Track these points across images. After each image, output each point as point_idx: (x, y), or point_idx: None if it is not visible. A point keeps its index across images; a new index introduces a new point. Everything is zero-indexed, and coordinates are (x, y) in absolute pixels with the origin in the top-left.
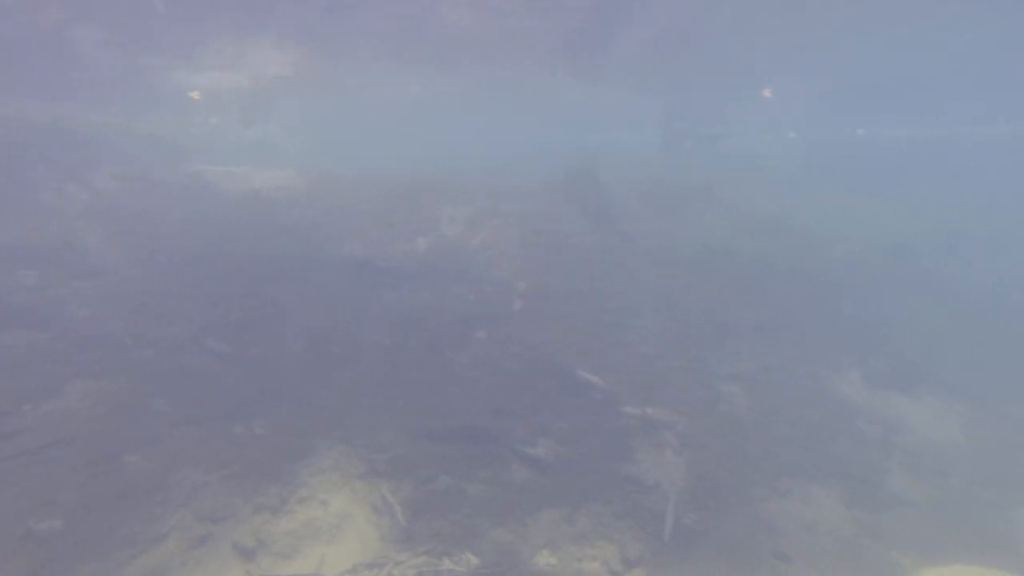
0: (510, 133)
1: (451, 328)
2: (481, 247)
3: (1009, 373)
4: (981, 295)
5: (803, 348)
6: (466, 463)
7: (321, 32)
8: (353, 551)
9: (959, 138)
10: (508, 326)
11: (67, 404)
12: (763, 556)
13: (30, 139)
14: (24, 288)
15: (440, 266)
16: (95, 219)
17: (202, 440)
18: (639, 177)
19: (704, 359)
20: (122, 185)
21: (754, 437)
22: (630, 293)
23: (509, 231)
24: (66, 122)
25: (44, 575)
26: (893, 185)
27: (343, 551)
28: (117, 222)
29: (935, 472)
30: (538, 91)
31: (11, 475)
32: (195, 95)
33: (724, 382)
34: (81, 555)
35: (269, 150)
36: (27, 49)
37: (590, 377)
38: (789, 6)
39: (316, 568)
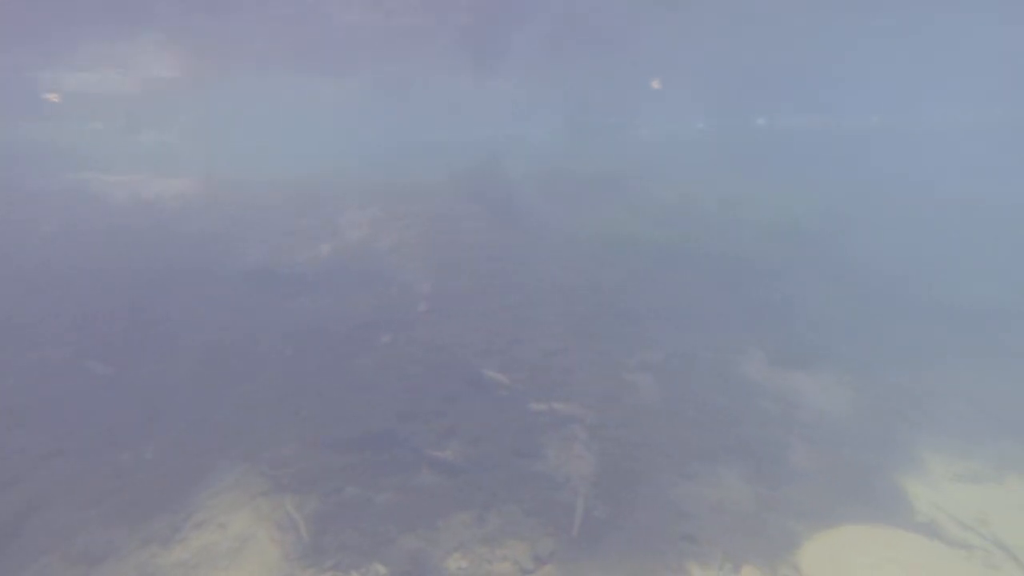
0: (413, 133)
1: (355, 333)
2: (385, 250)
3: (891, 344)
4: (869, 273)
5: (709, 333)
6: (374, 471)
7: (206, 33)
8: (254, 574)
9: (848, 127)
10: (413, 328)
11: None
12: (672, 540)
13: None
14: None
15: (344, 271)
16: None
17: (77, 473)
18: (544, 170)
19: (611, 350)
20: None
21: (662, 424)
22: (535, 288)
23: (413, 232)
24: None
25: None
26: (790, 172)
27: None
28: None
29: (829, 442)
30: (439, 89)
31: None
32: (53, 97)
33: (632, 372)
34: None
35: (165, 157)
36: None
37: (496, 375)
38: None
39: None
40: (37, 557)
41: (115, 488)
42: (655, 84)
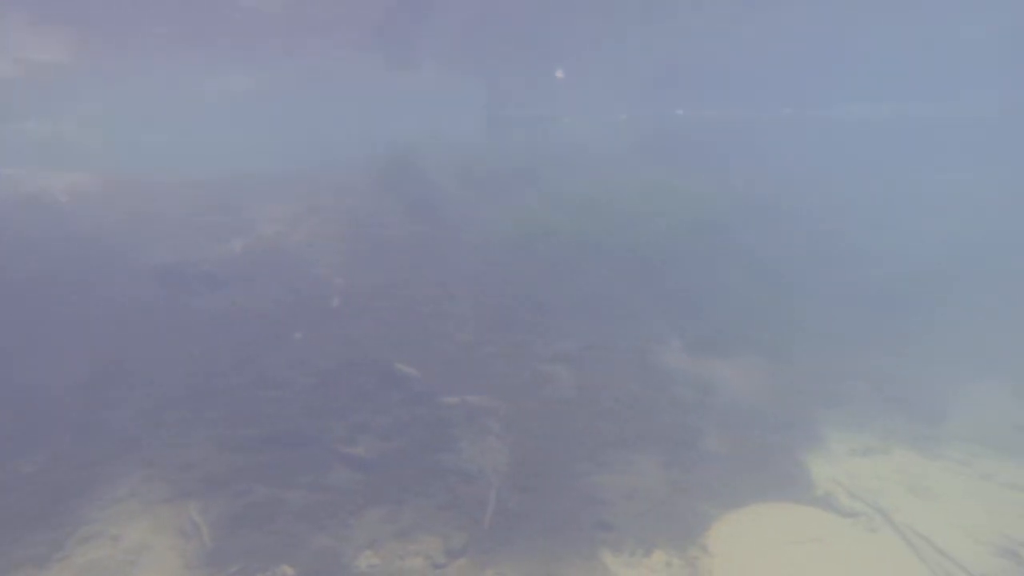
0: (330, 125)
1: (266, 331)
2: (300, 245)
3: (802, 329)
4: (782, 260)
5: (625, 323)
6: (284, 470)
7: (95, 14)
8: None
9: (763, 120)
10: (325, 324)
11: None
12: (585, 528)
13: None
14: None
15: (256, 268)
16: None
17: None
18: (462, 164)
19: (526, 342)
20: None
21: (578, 414)
22: (450, 282)
23: (329, 227)
24: None
25: None
26: (707, 162)
27: None
28: None
29: (740, 425)
30: (356, 80)
31: None
32: None
33: (547, 363)
34: None
35: (62, 149)
36: None
37: (408, 370)
38: None
39: None
40: None
41: None
42: (558, 74)
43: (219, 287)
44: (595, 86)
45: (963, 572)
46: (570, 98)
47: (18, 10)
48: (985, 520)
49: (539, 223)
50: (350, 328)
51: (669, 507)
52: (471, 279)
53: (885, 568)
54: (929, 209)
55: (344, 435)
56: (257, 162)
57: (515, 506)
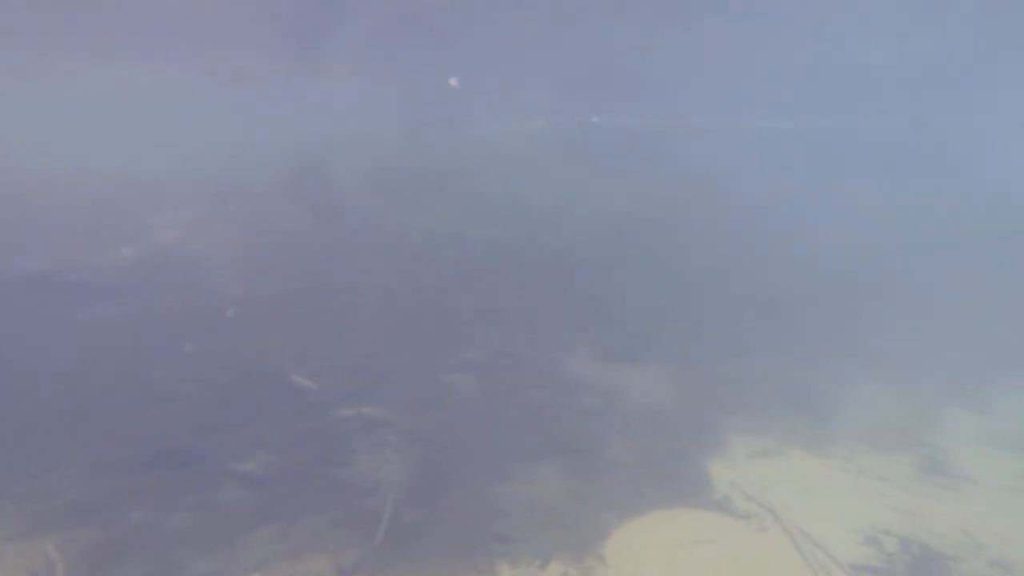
0: (237, 128)
1: (155, 343)
2: (198, 254)
3: (710, 335)
4: (693, 268)
5: (535, 331)
6: (167, 492)
7: None
8: None
9: (675, 127)
10: (220, 336)
11: None
12: (483, 541)
13: None
14: None
15: (149, 276)
16: None
17: None
18: (375, 168)
19: (431, 351)
20: None
21: (481, 425)
22: (355, 290)
23: (230, 234)
24: None
25: None
26: (620, 169)
27: None
28: None
29: (645, 433)
30: (266, 82)
31: None
32: None
33: (452, 373)
34: None
35: None
36: None
37: (305, 381)
38: None
39: None
40: None
41: None
42: (452, 82)
43: (105, 296)
44: (512, 92)
45: (834, 562)
46: (487, 103)
47: None
48: (857, 512)
49: (450, 229)
50: (246, 339)
51: (569, 517)
52: (377, 287)
53: (769, 564)
54: (830, 218)
55: (236, 451)
56: (157, 164)
57: (412, 520)
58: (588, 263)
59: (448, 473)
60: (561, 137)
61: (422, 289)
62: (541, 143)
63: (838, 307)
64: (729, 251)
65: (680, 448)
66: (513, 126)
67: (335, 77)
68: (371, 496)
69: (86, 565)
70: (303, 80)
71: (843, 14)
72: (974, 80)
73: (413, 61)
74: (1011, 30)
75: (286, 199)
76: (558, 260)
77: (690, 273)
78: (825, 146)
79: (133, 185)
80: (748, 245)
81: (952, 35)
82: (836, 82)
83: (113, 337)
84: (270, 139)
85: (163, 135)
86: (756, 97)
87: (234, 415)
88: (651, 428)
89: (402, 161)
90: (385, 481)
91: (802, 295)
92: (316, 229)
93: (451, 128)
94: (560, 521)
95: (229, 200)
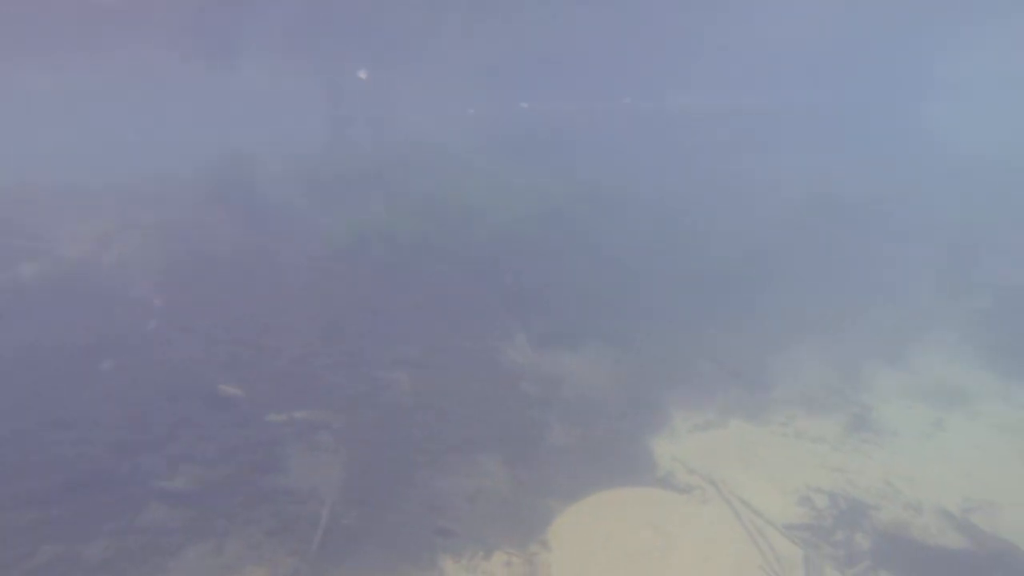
0: (154, 130)
1: (69, 364)
2: (113, 266)
3: (647, 315)
4: (626, 249)
5: (470, 323)
6: (83, 520)
7: None
8: None
9: (602, 111)
10: (141, 350)
11: None
12: (425, 537)
13: None
14: None
15: (55, 294)
16: None
17: None
18: (297, 169)
19: (362, 350)
20: None
21: (419, 420)
22: (281, 294)
23: (147, 243)
24: None
25: None
26: (552, 155)
27: None
28: None
29: (587, 416)
30: (176, 80)
31: None
32: None
33: (385, 370)
34: None
35: None
36: None
37: (232, 390)
38: None
39: None
40: None
41: None
42: (361, 75)
43: (2, 319)
44: (439, 81)
45: (770, 526)
46: (415, 94)
47: None
48: (793, 474)
49: (379, 227)
50: (169, 353)
51: (512, 506)
52: (305, 289)
53: (710, 534)
54: (758, 194)
55: (161, 468)
56: (60, 173)
57: (351, 522)
58: (522, 251)
59: (386, 472)
60: (490, 125)
61: (351, 289)
62: (469, 132)
63: (768, 280)
64: (658, 232)
65: (622, 428)
66: (442, 116)
67: (250, 74)
68: (307, 502)
69: None
70: (217, 78)
71: None
72: (895, 49)
73: (331, 54)
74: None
75: (204, 205)
76: (490, 251)
77: (622, 256)
78: (751, 124)
79: (34, 196)
80: (676, 225)
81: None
82: (762, 59)
83: (17, 361)
84: (186, 142)
85: (66, 141)
86: (684, 76)
87: (157, 432)
88: (592, 411)
89: (326, 159)
90: (321, 485)
91: (732, 271)
92: (239, 234)
93: (376, 122)
94: (503, 511)
95: (143, 207)
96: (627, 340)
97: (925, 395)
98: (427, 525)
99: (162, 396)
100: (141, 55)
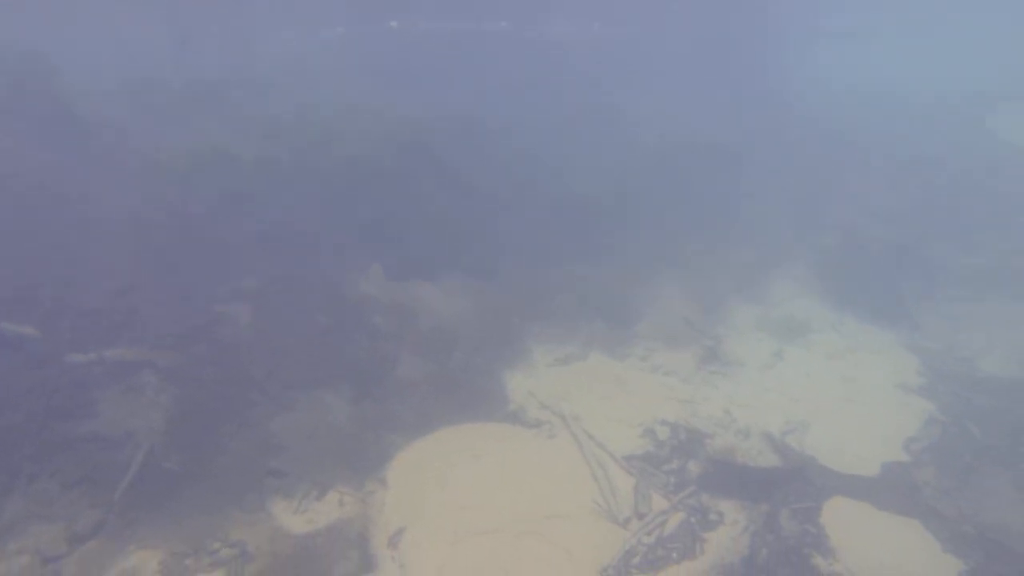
0: None
1: None
2: None
3: (508, 248)
4: (491, 178)
5: (318, 254)
6: None
7: None
8: None
9: (475, 34)
10: None
11: None
12: (255, 479)
13: None
14: None
15: None
16: None
17: None
18: (129, 81)
19: (197, 282)
20: None
21: (259, 356)
22: (96, 221)
23: None
24: None
25: None
26: (416, 77)
27: None
28: None
29: (442, 351)
30: None
31: None
32: None
33: (223, 303)
34: None
35: None
36: None
37: (22, 329)
38: None
39: None
40: None
41: None
42: None
43: None
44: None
45: (611, 457)
46: (274, 11)
47: None
48: (644, 407)
49: (220, 150)
50: None
51: (353, 443)
52: (127, 215)
53: (552, 468)
54: (623, 125)
55: None
56: None
57: (172, 466)
58: (378, 180)
59: (219, 412)
60: (357, 45)
61: (184, 215)
62: (334, 52)
63: (631, 216)
64: (523, 165)
65: (477, 363)
66: (309, 36)
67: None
68: (120, 448)
69: None
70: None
71: None
72: None
73: None
74: None
75: (10, 116)
76: (345, 178)
77: (486, 187)
78: (626, 53)
79: None
80: (552, 153)
81: None
82: None
83: None
84: None
85: None
86: (556, 3)
87: None
88: (447, 345)
89: (165, 73)
90: (140, 429)
91: (596, 206)
92: (45, 149)
93: (233, 39)
94: (343, 448)
95: None
96: (488, 273)
97: (772, 327)
98: (259, 466)
99: None
100: None
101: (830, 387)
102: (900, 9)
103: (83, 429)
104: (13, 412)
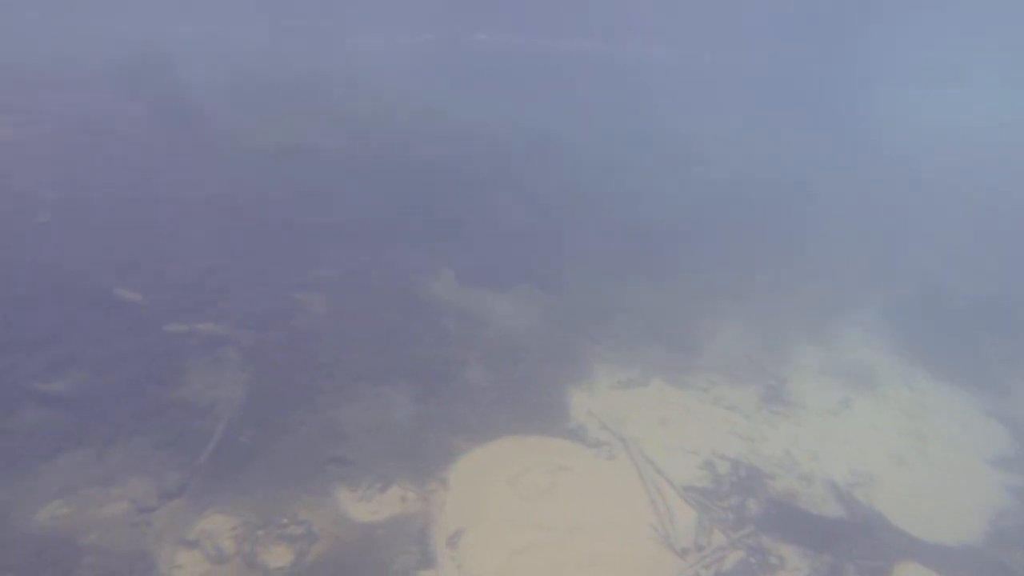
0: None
1: None
2: (4, 150)
3: (576, 263)
4: (565, 193)
5: (392, 251)
6: None
7: None
8: None
9: (562, 50)
10: (27, 244)
11: None
12: (322, 463)
13: None
14: None
15: None
16: None
17: None
18: (235, 73)
19: (277, 268)
20: None
21: (329, 345)
22: (192, 200)
23: (42, 131)
24: None
25: None
26: (501, 87)
27: None
28: None
29: (507, 360)
30: None
31: None
32: None
33: (299, 291)
34: None
35: None
36: None
37: (131, 295)
38: None
39: None
40: None
41: None
42: None
43: None
44: (393, 3)
45: (669, 485)
46: (365, 12)
47: None
48: (703, 438)
49: (307, 141)
50: (61, 248)
51: (416, 441)
52: (219, 197)
53: (610, 489)
54: (711, 151)
55: (40, 370)
56: None
57: (247, 441)
58: (456, 187)
59: (290, 395)
60: (443, 53)
61: (271, 202)
62: (420, 57)
63: (710, 243)
64: (605, 180)
65: (541, 376)
66: (396, 40)
67: None
68: (204, 417)
69: None
70: None
71: None
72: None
73: None
74: None
75: (119, 96)
76: (425, 177)
77: (564, 199)
78: (704, 78)
79: None
80: (626, 175)
81: None
82: (721, 15)
83: None
84: (112, 34)
85: None
86: (639, 26)
87: (39, 331)
88: (513, 355)
89: (262, 68)
90: (221, 401)
91: (678, 229)
92: (153, 133)
93: (322, 37)
94: (406, 445)
95: (41, 91)
96: (557, 287)
97: (839, 372)
98: (325, 452)
99: (47, 295)
100: None
101: (901, 444)
102: (1004, 55)
103: (175, 395)
104: (117, 371)
